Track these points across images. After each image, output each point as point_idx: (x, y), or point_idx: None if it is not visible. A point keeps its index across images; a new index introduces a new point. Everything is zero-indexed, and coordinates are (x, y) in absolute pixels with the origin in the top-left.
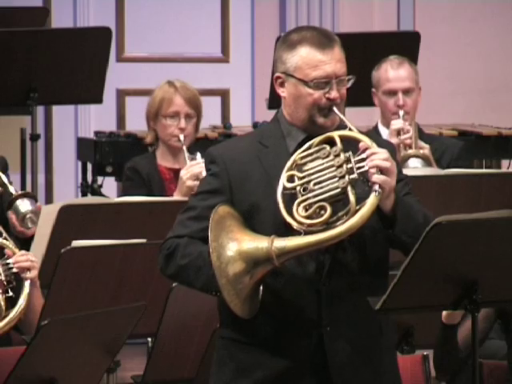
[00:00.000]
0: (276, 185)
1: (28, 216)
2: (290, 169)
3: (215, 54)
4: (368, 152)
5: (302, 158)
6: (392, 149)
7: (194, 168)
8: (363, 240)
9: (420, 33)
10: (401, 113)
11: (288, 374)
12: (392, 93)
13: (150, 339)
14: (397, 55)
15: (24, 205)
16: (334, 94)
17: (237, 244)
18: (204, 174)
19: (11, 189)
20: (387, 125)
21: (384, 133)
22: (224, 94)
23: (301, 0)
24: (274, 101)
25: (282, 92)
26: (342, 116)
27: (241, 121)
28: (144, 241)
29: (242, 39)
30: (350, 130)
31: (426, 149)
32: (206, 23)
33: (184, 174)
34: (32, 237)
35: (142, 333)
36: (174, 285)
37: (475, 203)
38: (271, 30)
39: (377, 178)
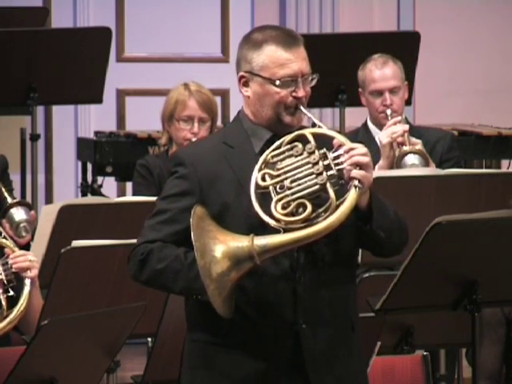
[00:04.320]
0: (245, 185)
1: (22, 225)
2: (261, 168)
3: (215, 54)
4: (345, 148)
5: (274, 156)
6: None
7: None
8: (335, 234)
9: (420, 33)
10: (388, 111)
11: (266, 373)
12: (378, 93)
13: (149, 339)
14: (381, 53)
15: (18, 214)
16: (300, 92)
17: (218, 243)
18: None
19: (8, 198)
20: (376, 123)
21: (374, 131)
22: (224, 94)
23: (301, 0)
24: None
25: (246, 91)
26: (309, 114)
27: None
28: None
29: None
30: (319, 127)
31: (418, 144)
32: (205, 23)
33: None
34: (26, 244)
35: (142, 333)
36: None
37: (475, 203)
38: None
39: (356, 173)
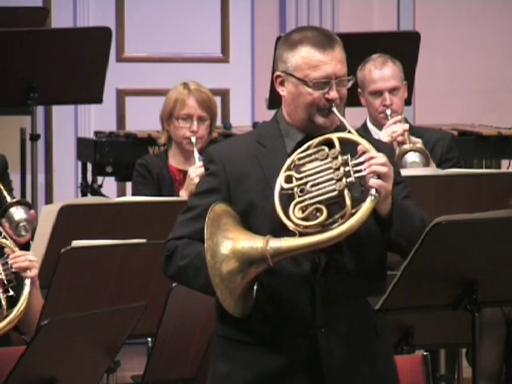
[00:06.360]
0: (273, 185)
1: (21, 224)
2: (288, 169)
3: (215, 54)
4: (366, 156)
5: (301, 158)
6: (390, 151)
7: (202, 167)
8: (359, 242)
9: (420, 33)
10: (388, 111)
11: (282, 372)
12: (378, 93)
13: (149, 339)
14: (380, 53)
15: (18, 213)
16: (333, 94)
17: (232, 243)
18: None
19: (7, 197)
20: (376, 123)
21: (373, 131)
22: (224, 94)
23: (301, 0)
24: (274, 101)
25: (282, 91)
26: (341, 118)
27: (241, 121)
28: (144, 241)
29: (242, 39)
30: (349, 132)
31: (418, 143)
32: (206, 23)
33: (192, 171)
34: (26, 244)
35: (142, 333)
36: (173, 285)
37: (475, 203)
38: (271, 30)
39: (373, 182)
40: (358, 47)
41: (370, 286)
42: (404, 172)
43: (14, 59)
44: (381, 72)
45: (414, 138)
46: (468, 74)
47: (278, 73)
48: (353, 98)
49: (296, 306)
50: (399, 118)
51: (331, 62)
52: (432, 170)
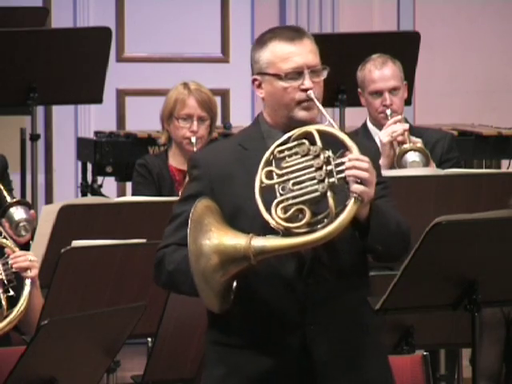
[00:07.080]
0: None
1: (21, 224)
2: (268, 163)
3: (215, 54)
4: (348, 162)
5: (281, 151)
6: (376, 152)
7: None
8: (344, 238)
9: (420, 33)
10: (388, 111)
11: (274, 372)
12: (378, 93)
13: (149, 339)
14: (379, 53)
15: (18, 213)
16: (307, 83)
17: (214, 240)
18: None
19: (7, 197)
20: (376, 123)
21: (373, 131)
22: (224, 94)
23: (301, 0)
24: None
25: (261, 94)
26: (322, 109)
27: (240, 121)
28: (144, 241)
29: (242, 39)
30: (330, 125)
31: (418, 143)
32: (206, 23)
33: None
34: (26, 244)
35: (142, 333)
36: None
37: (475, 203)
38: None
39: (356, 188)
40: (358, 47)
41: (354, 283)
42: (404, 172)
43: (14, 59)
44: (381, 72)
45: (414, 138)
46: (468, 74)
47: (253, 76)
48: (353, 98)
49: (284, 305)
50: (399, 117)
51: (301, 52)
52: (432, 170)
